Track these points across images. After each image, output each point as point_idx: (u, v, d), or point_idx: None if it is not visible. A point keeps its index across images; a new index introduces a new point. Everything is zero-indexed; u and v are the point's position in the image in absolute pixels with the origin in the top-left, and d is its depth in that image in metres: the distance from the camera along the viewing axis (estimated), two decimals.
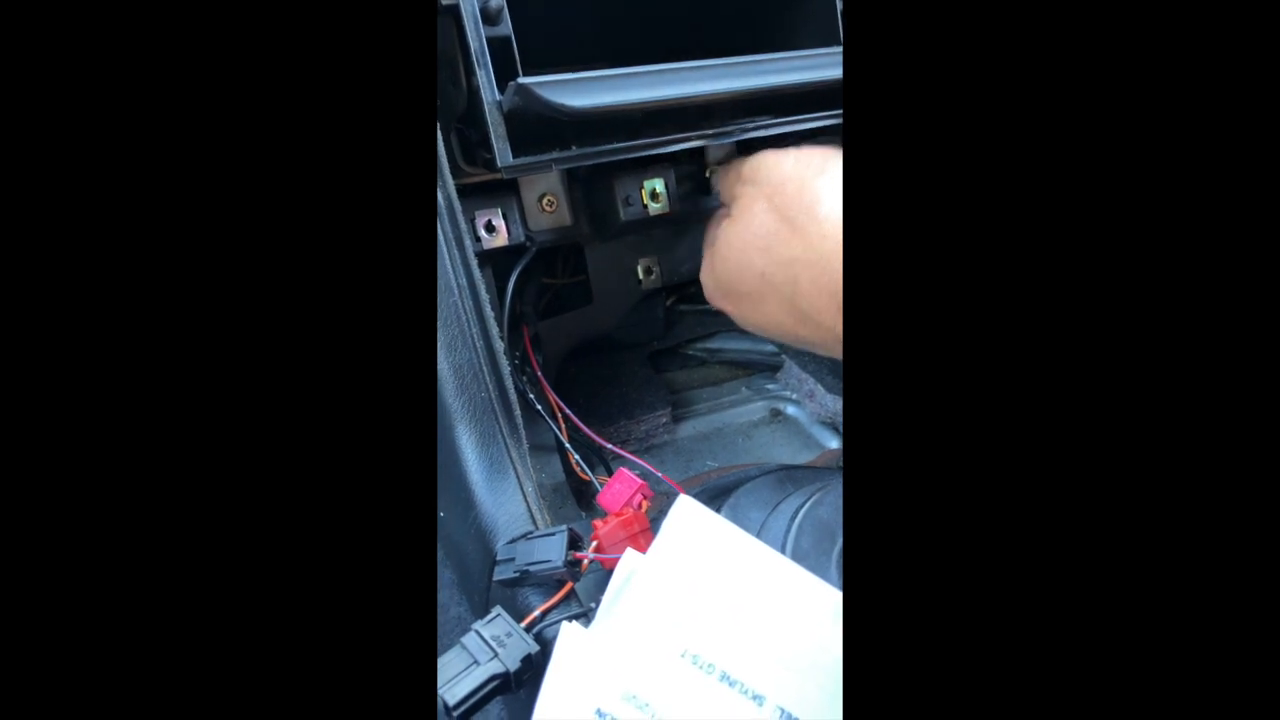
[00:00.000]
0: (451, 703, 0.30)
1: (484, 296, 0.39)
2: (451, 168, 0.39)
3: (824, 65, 0.41)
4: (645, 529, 0.35)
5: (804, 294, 0.35)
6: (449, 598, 0.46)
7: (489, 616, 0.32)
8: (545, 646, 0.32)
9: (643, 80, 0.37)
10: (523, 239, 0.45)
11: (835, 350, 0.36)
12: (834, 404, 0.60)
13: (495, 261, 0.45)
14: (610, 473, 0.46)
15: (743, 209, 0.38)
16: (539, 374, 0.45)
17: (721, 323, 0.61)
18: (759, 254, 0.37)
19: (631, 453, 0.41)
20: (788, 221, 0.35)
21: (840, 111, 0.44)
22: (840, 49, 0.44)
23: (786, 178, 0.36)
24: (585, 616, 0.32)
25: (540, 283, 0.51)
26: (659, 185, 0.46)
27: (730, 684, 0.25)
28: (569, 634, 0.29)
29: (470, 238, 0.40)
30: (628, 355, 0.62)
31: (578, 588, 0.35)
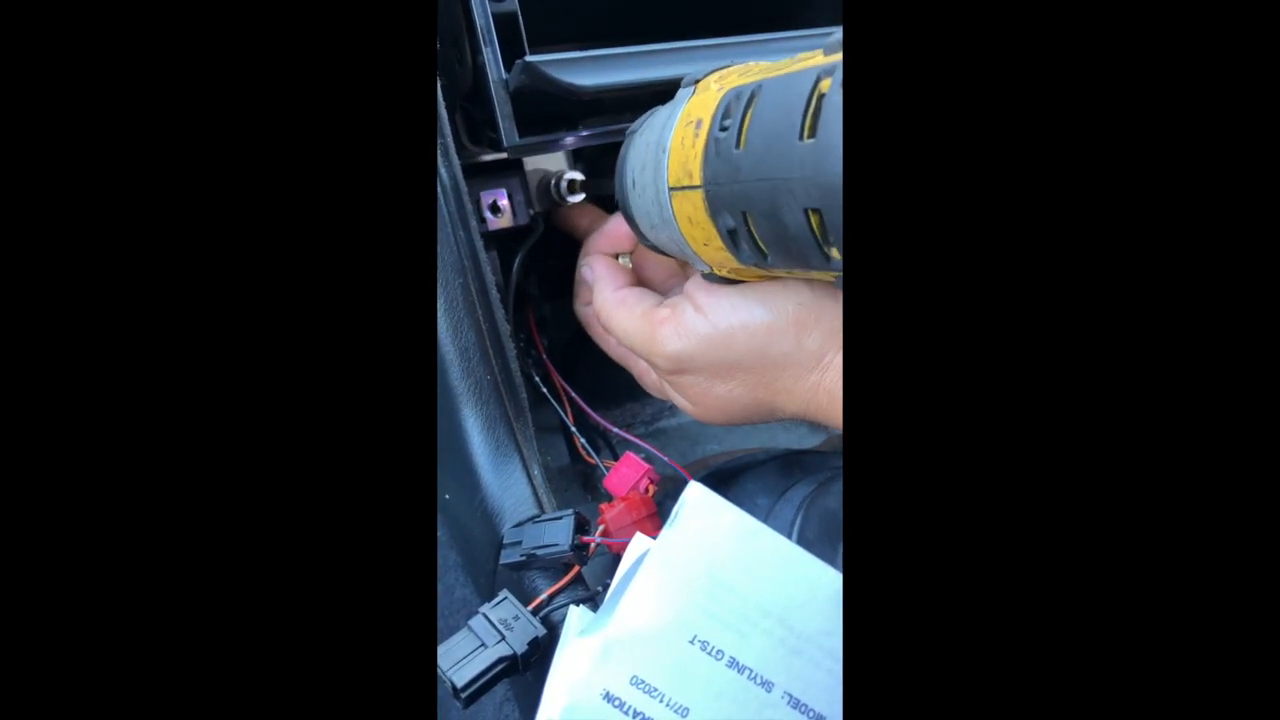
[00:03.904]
0: (459, 684, 0.30)
1: (489, 278, 0.39)
2: (457, 147, 0.39)
3: None
4: (652, 513, 0.35)
5: (829, 407, 0.30)
6: (455, 580, 0.46)
7: (496, 599, 0.33)
8: (552, 630, 0.32)
9: (653, 59, 0.37)
10: (529, 220, 0.44)
11: None
12: None
13: (501, 242, 0.45)
14: (615, 456, 0.46)
15: (700, 395, 0.33)
16: (544, 356, 0.44)
17: None
18: (747, 413, 0.33)
19: (637, 436, 0.41)
20: (773, 391, 0.31)
21: None
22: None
23: (751, 355, 0.30)
24: (592, 600, 0.32)
25: (546, 264, 0.50)
26: None
27: (739, 670, 0.25)
28: (576, 618, 0.29)
29: (475, 218, 0.39)
30: None
31: (585, 571, 0.35)
